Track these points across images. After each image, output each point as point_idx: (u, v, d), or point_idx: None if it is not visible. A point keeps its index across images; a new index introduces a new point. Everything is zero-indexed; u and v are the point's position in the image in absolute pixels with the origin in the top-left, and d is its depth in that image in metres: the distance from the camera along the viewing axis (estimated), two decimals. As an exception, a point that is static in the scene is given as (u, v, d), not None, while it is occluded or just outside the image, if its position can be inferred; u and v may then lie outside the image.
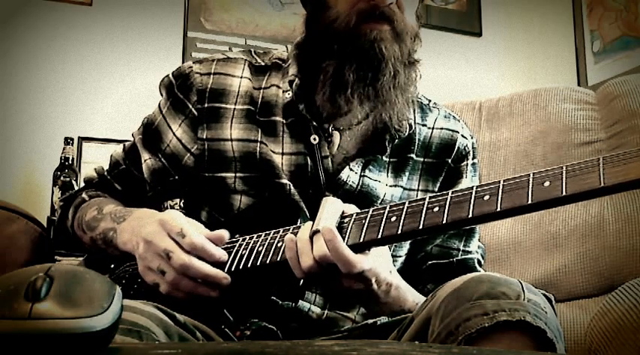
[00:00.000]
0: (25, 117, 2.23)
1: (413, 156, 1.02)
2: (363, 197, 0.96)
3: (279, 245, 0.85)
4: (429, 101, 1.09)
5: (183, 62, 2.20)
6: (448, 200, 0.74)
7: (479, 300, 0.69)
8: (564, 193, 0.66)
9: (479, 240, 1.07)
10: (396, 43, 0.93)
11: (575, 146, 1.45)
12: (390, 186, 1.00)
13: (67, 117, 2.27)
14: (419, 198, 0.79)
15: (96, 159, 2.20)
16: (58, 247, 1.28)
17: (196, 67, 1.02)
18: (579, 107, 1.49)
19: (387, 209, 0.79)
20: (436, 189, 1.03)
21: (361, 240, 0.78)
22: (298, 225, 0.86)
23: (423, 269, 1.03)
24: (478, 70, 2.83)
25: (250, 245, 0.88)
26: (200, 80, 1.00)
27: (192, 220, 0.89)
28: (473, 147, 1.08)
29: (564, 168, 0.68)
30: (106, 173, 1.09)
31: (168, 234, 0.84)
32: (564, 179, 0.67)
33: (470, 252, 1.05)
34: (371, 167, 0.98)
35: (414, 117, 1.03)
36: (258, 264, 0.85)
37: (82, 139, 2.26)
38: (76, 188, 1.94)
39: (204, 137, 0.99)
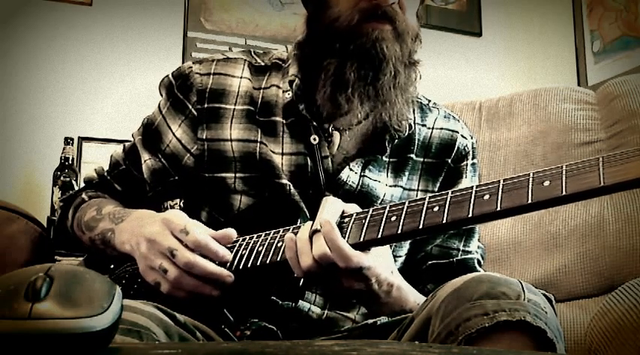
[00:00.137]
0: (25, 117, 2.23)
1: (412, 156, 1.02)
2: (362, 197, 0.96)
3: (279, 245, 0.85)
4: (429, 101, 1.09)
5: (183, 62, 2.20)
6: (448, 200, 0.74)
7: (479, 300, 0.69)
8: (564, 193, 0.66)
9: (478, 240, 1.07)
10: (397, 42, 0.93)
11: (575, 146, 1.45)
12: (390, 186, 1.00)
13: (67, 117, 2.27)
14: (419, 197, 0.79)
15: (96, 159, 2.20)
16: (58, 247, 1.28)
17: (196, 68, 1.02)
18: (579, 107, 1.49)
19: (387, 209, 0.79)
20: (436, 189, 1.03)
21: (361, 240, 0.78)
22: (298, 225, 0.86)
23: (422, 269, 1.03)
24: (478, 70, 2.83)
25: (250, 245, 0.88)
26: (200, 80, 1.00)
27: (196, 221, 0.89)
28: (473, 147, 1.08)
29: (564, 167, 0.68)
30: (105, 173, 1.09)
31: (171, 233, 0.84)
32: (564, 178, 0.67)
33: (470, 252, 1.05)
34: (371, 167, 0.98)
35: (414, 118, 1.03)
36: (258, 264, 0.85)
37: (82, 139, 2.26)
38: (76, 188, 1.94)
39: (204, 137, 0.99)
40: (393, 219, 0.77)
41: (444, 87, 2.55)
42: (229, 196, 0.97)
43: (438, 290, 0.78)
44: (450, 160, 1.04)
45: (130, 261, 0.92)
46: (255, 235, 0.89)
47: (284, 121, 0.98)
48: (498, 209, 0.69)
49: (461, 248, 1.04)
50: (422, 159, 1.03)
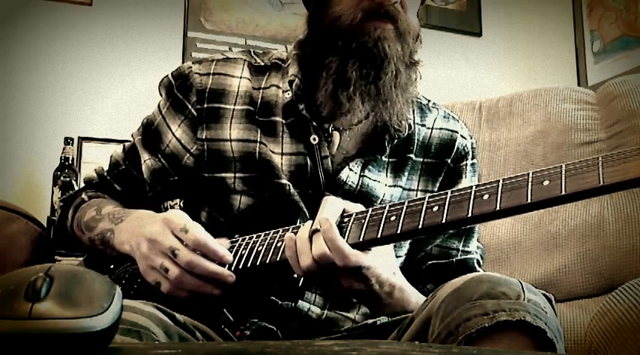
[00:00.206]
0: (25, 117, 2.23)
1: (412, 156, 1.02)
2: (362, 197, 0.96)
3: (278, 245, 0.85)
4: (429, 101, 1.09)
5: (183, 62, 2.20)
6: (447, 199, 0.74)
7: (479, 300, 0.69)
8: (563, 192, 0.66)
9: (478, 240, 1.07)
10: (398, 42, 0.93)
11: (575, 146, 1.45)
12: (390, 186, 1.00)
13: (67, 117, 2.27)
14: (418, 197, 0.79)
15: (96, 159, 2.20)
16: (58, 247, 1.28)
17: (196, 68, 1.02)
18: (579, 107, 1.49)
19: (387, 208, 0.79)
20: (435, 190, 1.03)
21: (361, 240, 0.78)
22: (298, 225, 0.86)
23: (422, 269, 1.03)
24: (478, 70, 2.83)
25: (250, 245, 0.88)
26: (199, 80, 1.00)
27: (196, 222, 0.89)
28: (472, 147, 1.08)
29: (563, 167, 0.68)
30: (105, 173, 1.09)
31: (172, 232, 0.84)
32: (563, 178, 0.67)
33: (469, 252, 1.05)
34: (370, 167, 0.98)
35: (413, 118, 1.03)
36: (257, 263, 0.85)
37: (82, 139, 2.26)
38: (76, 188, 1.94)
39: (204, 137, 0.99)
40: (393, 218, 0.77)
41: (444, 87, 2.55)
42: (229, 196, 0.97)
43: (438, 290, 0.78)
44: (449, 160, 1.04)
45: (129, 261, 0.92)
46: (255, 235, 0.89)
47: (284, 121, 0.98)
48: (498, 209, 0.69)
49: (460, 248, 1.04)
50: (421, 159, 1.03)
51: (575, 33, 3.00)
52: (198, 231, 0.84)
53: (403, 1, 0.94)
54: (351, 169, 0.97)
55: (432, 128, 1.05)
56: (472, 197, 0.72)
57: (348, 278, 0.80)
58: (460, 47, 2.83)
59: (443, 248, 1.03)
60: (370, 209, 0.81)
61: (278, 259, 0.83)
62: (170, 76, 1.04)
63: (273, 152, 0.96)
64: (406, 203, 0.78)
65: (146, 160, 1.03)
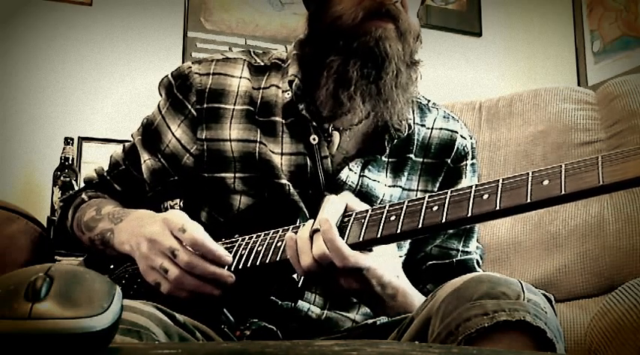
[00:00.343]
0: (25, 117, 2.23)
1: (412, 156, 1.02)
2: (362, 197, 0.96)
3: (278, 245, 0.85)
4: (428, 101, 1.09)
5: (183, 62, 2.20)
6: (447, 199, 0.74)
7: (479, 300, 0.69)
8: (563, 192, 0.66)
9: (477, 240, 1.07)
10: (399, 42, 0.93)
11: (575, 146, 1.45)
12: (389, 186, 1.00)
13: (67, 117, 2.27)
14: (418, 197, 0.79)
15: (96, 159, 2.20)
16: (58, 247, 1.28)
17: (195, 68, 1.02)
18: (579, 107, 1.49)
19: (387, 208, 0.79)
20: (435, 190, 1.03)
21: (360, 239, 0.78)
22: (298, 224, 0.86)
23: (422, 269, 1.03)
24: (478, 70, 2.83)
25: (250, 245, 0.88)
26: (199, 80, 1.00)
27: (195, 222, 0.89)
28: (472, 148, 1.08)
29: (563, 166, 0.68)
30: (105, 173, 1.09)
31: (171, 232, 0.84)
32: (563, 178, 0.67)
33: (469, 253, 1.05)
34: (370, 167, 0.98)
35: (413, 118, 1.03)
36: (257, 263, 0.85)
37: (82, 139, 2.26)
38: (76, 188, 1.94)
39: (204, 137, 0.99)
40: (393, 218, 0.77)
41: (444, 87, 2.55)
42: (229, 196, 0.97)
43: (437, 290, 0.78)
44: (449, 160, 1.04)
45: (129, 261, 0.92)
46: (255, 235, 0.89)
47: (283, 121, 0.98)
48: (497, 208, 0.69)
49: (460, 248, 1.04)
50: (421, 160, 1.03)
51: (575, 33, 3.00)
52: (196, 231, 0.84)
53: (404, 1, 0.94)
54: (350, 169, 0.97)
55: (432, 128, 1.05)
56: (472, 197, 0.72)
57: (347, 279, 0.80)
58: (460, 47, 2.83)
59: (443, 248, 1.03)
60: (370, 209, 0.81)
61: (278, 259, 0.83)
62: (170, 76, 1.04)
63: (272, 152, 0.96)
64: (406, 203, 0.78)
65: (146, 160, 1.03)
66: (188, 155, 1.00)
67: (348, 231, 0.79)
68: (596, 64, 2.87)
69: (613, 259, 1.32)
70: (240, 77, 1.01)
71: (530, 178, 0.69)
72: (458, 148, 1.05)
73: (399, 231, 0.76)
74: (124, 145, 1.09)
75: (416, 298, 0.87)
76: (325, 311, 0.95)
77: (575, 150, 1.44)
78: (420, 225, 0.74)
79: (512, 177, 0.71)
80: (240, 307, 0.87)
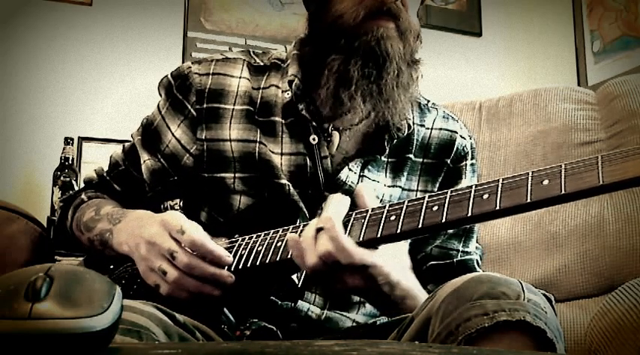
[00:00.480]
0: (25, 117, 2.23)
1: (411, 156, 1.02)
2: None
3: (278, 245, 0.85)
4: (428, 101, 1.09)
5: (183, 62, 2.19)
6: (447, 199, 0.74)
7: (479, 300, 0.69)
8: (563, 191, 0.66)
9: (477, 240, 1.07)
10: (400, 41, 0.93)
11: (575, 146, 1.45)
12: (389, 186, 1.00)
13: (67, 117, 2.27)
14: (418, 197, 0.79)
15: (96, 159, 2.20)
16: (58, 247, 1.28)
17: (195, 68, 1.02)
18: (579, 107, 1.49)
19: (387, 208, 0.79)
20: (435, 190, 1.03)
21: (360, 239, 0.78)
22: (297, 224, 0.86)
23: (422, 270, 1.02)
24: (478, 70, 2.83)
25: (250, 245, 0.88)
26: (199, 80, 1.00)
27: (194, 223, 0.89)
28: (472, 148, 1.08)
29: (563, 166, 0.68)
30: (105, 174, 1.09)
31: (169, 234, 0.84)
32: (563, 177, 0.67)
33: (469, 253, 1.05)
34: (370, 167, 0.98)
35: (413, 118, 1.03)
36: (257, 263, 0.85)
37: (82, 139, 2.26)
38: (76, 188, 1.94)
39: (204, 137, 0.99)
40: (392, 218, 0.77)
41: (444, 87, 2.55)
42: (229, 196, 0.97)
43: (437, 290, 0.78)
44: (449, 160, 1.04)
45: (129, 261, 0.92)
46: (255, 235, 0.89)
47: (283, 121, 0.98)
48: (497, 208, 0.69)
49: (460, 248, 1.04)
50: (421, 160, 1.03)
51: (575, 33, 3.00)
52: (195, 233, 0.83)
53: (404, 0, 0.94)
54: (350, 169, 0.97)
55: (432, 128, 1.05)
56: (472, 196, 0.72)
57: (353, 277, 0.79)
58: (460, 47, 2.83)
59: (443, 248, 1.03)
60: (370, 209, 0.81)
61: (278, 259, 0.83)
62: (169, 76, 1.04)
63: (272, 152, 0.96)
64: (406, 203, 0.78)
65: (146, 160, 1.03)
66: (188, 155, 1.00)
67: (348, 231, 0.79)
68: (596, 64, 2.87)
69: (613, 259, 1.32)
70: (240, 77, 1.01)
71: (530, 178, 0.69)
72: (457, 148, 1.05)
73: (399, 230, 0.76)
74: (123, 145, 1.09)
75: (424, 299, 0.86)
76: (325, 311, 0.95)
77: (575, 150, 1.44)
78: (420, 225, 0.74)
79: (513, 177, 0.71)
80: (240, 307, 0.87)
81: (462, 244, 1.04)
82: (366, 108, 0.96)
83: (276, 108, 0.99)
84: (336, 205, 0.82)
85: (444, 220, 0.73)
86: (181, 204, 1.14)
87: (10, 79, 2.24)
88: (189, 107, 1.00)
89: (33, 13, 2.29)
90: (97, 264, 1.00)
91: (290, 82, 0.98)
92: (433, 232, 0.96)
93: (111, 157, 1.10)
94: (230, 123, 0.98)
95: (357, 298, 0.97)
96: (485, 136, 1.56)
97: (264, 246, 0.86)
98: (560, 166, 0.68)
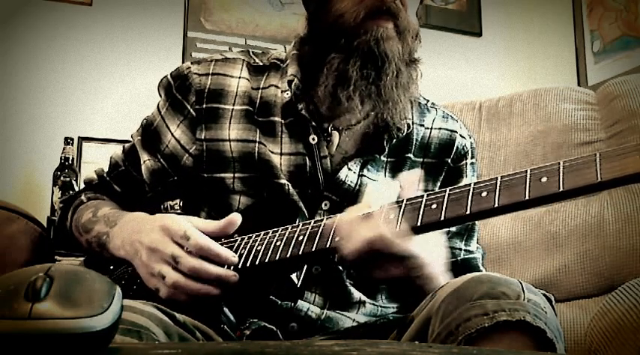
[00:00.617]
0: (25, 117, 2.23)
1: (411, 156, 1.02)
2: (361, 197, 0.96)
3: (277, 244, 0.85)
4: (427, 101, 1.09)
5: (183, 62, 2.19)
6: (446, 197, 0.74)
7: (479, 300, 0.69)
8: (561, 189, 0.66)
9: (477, 240, 1.07)
10: (399, 41, 0.93)
11: (575, 146, 1.45)
12: (389, 186, 1.00)
13: (67, 117, 2.27)
14: (417, 195, 0.79)
15: (96, 160, 2.20)
16: (58, 247, 1.28)
17: (194, 68, 1.02)
18: (579, 107, 1.49)
19: (386, 207, 0.79)
20: (436, 190, 1.03)
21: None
22: (297, 224, 0.86)
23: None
24: (478, 70, 2.83)
25: (249, 244, 0.88)
26: (198, 81, 1.00)
27: (193, 217, 0.89)
28: (472, 147, 1.08)
29: (561, 163, 0.68)
30: (105, 174, 1.09)
31: (172, 239, 0.84)
32: (561, 175, 0.67)
33: (471, 252, 1.05)
34: (369, 167, 0.98)
35: (412, 118, 1.03)
36: (257, 263, 0.85)
37: (82, 139, 2.26)
38: (76, 188, 1.95)
39: (203, 137, 0.99)
40: (392, 217, 0.77)
41: (444, 87, 2.55)
42: (228, 196, 0.97)
43: (438, 290, 0.78)
44: (449, 160, 1.04)
45: (128, 262, 0.92)
46: (254, 235, 0.89)
47: (283, 121, 0.98)
48: (496, 206, 0.69)
49: (462, 247, 1.04)
50: (421, 159, 1.03)
51: (575, 33, 3.00)
52: (200, 237, 0.84)
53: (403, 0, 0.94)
54: (349, 169, 0.97)
55: (431, 128, 1.05)
56: (470, 194, 0.72)
57: (395, 266, 0.79)
58: (460, 47, 2.83)
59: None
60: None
61: (277, 258, 0.83)
62: (169, 76, 1.04)
63: (272, 152, 0.96)
64: (405, 201, 0.78)
65: (145, 161, 1.03)
66: (187, 155, 1.00)
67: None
68: (596, 64, 2.87)
69: (613, 259, 1.32)
70: (240, 77, 1.01)
71: (528, 175, 0.69)
72: (457, 148, 1.05)
73: (398, 229, 0.76)
74: (123, 146, 1.09)
75: None
76: (325, 311, 0.95)
77: (575, 150, 1.44)
78: (419, 223, 0.75)
79: (511, 175, 0.71)
80: (240, 307, 0.87)
81: (463, 243, 1.04)
82: (365, 108, 0.96)
83: (275, 108, 0.99)
84: (385, 191, 0.81)
85: (442, 218, 0.73)
86: (181, 204, 1.14)
87: (10, 79, 2.24)
88: (189, 107, 1.00)
89: (33, 13, 2.29)
90: (97, 264, 0.99)
91: (289, 82, 0.98)
92: (432, 230, 0.96)
93: (111, 158, 1.10)
94: (229, 123, 0.98)
95: (357, 298, 0.97)
96: (485, 136, 1.56)
97: (264, 245, 0.86)
98: (559, 163, 0.68)
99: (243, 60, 1.04)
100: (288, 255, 0.82)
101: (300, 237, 0.83)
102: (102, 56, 2.34)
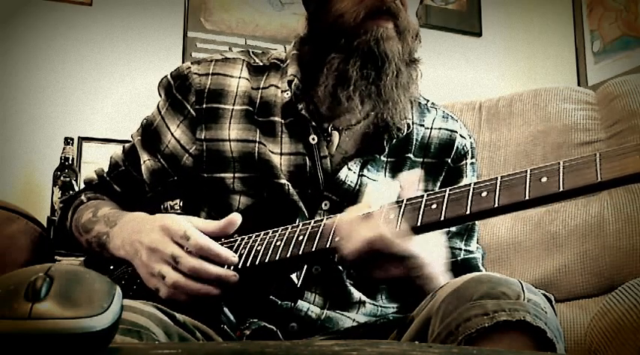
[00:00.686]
0: (25, 117, 2.23)
1: (411, 156, 1.02)
2: (361, 197, 0.96)
3: (277, 244, 0.85)
4: (427, 101, 1.09)
5: (183, 62, 2.19)
6: (446, 197, 0.74)
7: (479, 300, 0.69)
8: (561, 189, 0.66)
9: (477, 241, 1.07)
10: (399, 41, 0.93)
11: (575, 146, 1.45)
12: (389, 186, 1.00)
13: (67, 117, 2.27)
14: (417, 195, 0.79)
15: (96, 160, 2.20)
16: (58, 247, 1.28)
17: (194, 68, 1.02)
18: (579, 107, 1.49)
19: (385, 207, 0.79)
20: (436, 190, 1.03)
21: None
22: (297, 224, 0.86)
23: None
24: (478, 70, 2.83)
25: (249, 244, 0.88)
26: (198, 81, 1.00)
27: (193, 217, 0.89)
28: (472, 147, 1.08)
29: (561, 163, 0.68)
30: (105, 175, 1.09)
31: (172, 239, 0.84)
32: (561, 174, 0.67)
33: (472, 252, 1.05)
34: (369, 167, 0.98)
35: (412, 118, 1.03)
36: (257, 263, 0.85)
37: (82, 139, 2.26)
38: (76, 188, 1.95)
39: (203, 137, 0.99)
40: (391, 216, 0.77)
41: (444, 87, 2.55)
42: (228, 196, 0.97)
43: (438, 290, 0.78)
44: (449, 160, 1.04)
45: (128, 262, 0.92)
46: (254, 235, 0.89)
47: (283, 121, 0.98)
48: (496, 206, 0.69)
49: (463, 247, 1.04)
50: (421, 159, 1.03)
51: (575, 33, 3.00)
52: (200, 237, 0.84)
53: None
54: (349, 169, 0.97)
55: (431, 128, 1.05)
56: (470, 194, 0.72)
57: (392, 265, 0.79)
58: (460, 47, 2.83)
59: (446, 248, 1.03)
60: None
61: (277, 258, 0.83)
62: (169, 76, 1.04)
63: (272, 152, 0.96)
64: (404, 201, 0.78)
65: (145, 161, 1.03)
66: (187, 155, 1.00)
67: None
68: (596, 64, 2.87)
69: (613, 259, 1.32)
70: (240, 77, 1.01)
71: (528, 175, 0.69)
72: (457, 148, 1.05)
73: (398, 229, 0.76)
74: (123, 146, 1.09)
75: None
76: (325, 311, 0.95)
77: (575, 150, 1.44)
78: (419, 223, 0.74)
79: (511, 175, 0.71)
80: (240, 307, 0.87)
81: (463, 243, 1.04)
82: (365, 108, 0.96)
83: (275, 108, 0.99)
84: (386, 191, 0.81)
85: (442, 218, 0.73)
86: (181, 204, 1.14)
87: (10, 79, 2.24)
88: (189, 107, 1.00)
89: (33, 13, 2.29)
90: (97, 264, 1.00)
91: (289, 82, 0.98)
92: (432, 230, 0.96)
93: (111, 158, 1.10)
94: (229, 123, 0.98)
95: (357, 298, 0.97)
96: (485, 136, 1.56)
97: (264, 245, 0.86)
98: (559, 163, 0.68)
99: (243, 60, 1.04)
100: (288, 255, 0.82)
101: (300, 237, 0.83)
102: (102, 56, 2.34)
